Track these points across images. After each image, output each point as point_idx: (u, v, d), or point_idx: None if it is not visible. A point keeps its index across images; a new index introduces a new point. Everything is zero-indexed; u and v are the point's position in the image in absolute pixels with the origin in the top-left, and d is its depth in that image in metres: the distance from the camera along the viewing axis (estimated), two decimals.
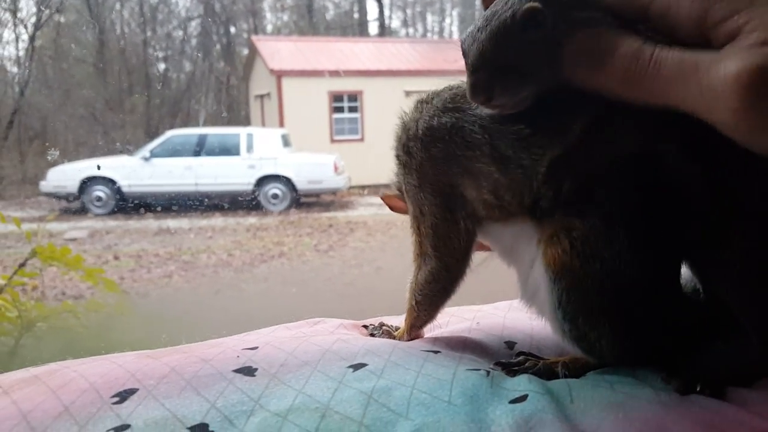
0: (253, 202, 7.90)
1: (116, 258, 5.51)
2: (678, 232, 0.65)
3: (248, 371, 0.63)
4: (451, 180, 0.71)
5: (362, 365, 0.64)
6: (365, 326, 0.87)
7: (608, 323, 0.64)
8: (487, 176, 0.68)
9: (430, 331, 0.84)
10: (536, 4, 0.60)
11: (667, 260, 0.67)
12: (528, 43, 0.61)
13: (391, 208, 0.86)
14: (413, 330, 0.80)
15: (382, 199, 0.87)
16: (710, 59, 0.52)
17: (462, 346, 0.76)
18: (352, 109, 11.32)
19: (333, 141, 11.13)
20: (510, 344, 0.78)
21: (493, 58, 0.61)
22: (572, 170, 0.64)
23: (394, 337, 0.81)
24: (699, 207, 0.64)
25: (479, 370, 0.65)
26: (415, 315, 0.79)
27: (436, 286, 0.77)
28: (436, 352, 0.70)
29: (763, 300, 0.64)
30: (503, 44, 0.61)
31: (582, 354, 0.67)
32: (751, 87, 0.49)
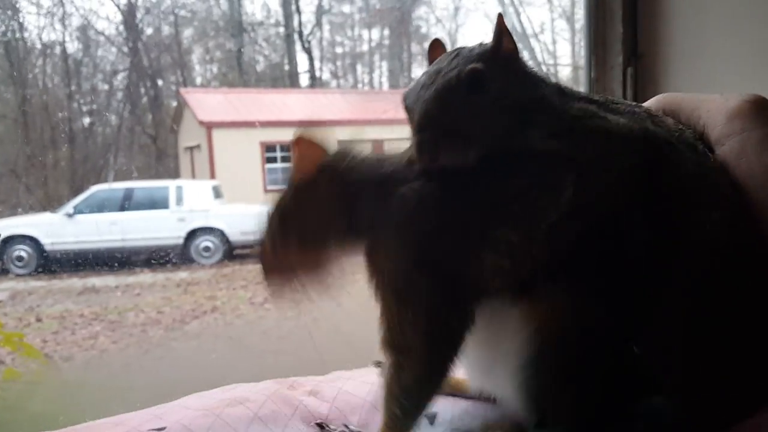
0: (184, 256, 7.72)
1: (39, 320, 5.25)
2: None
3: None
4: (462, 252, 0.62)
5: None
6: (321, 425, 0.76)
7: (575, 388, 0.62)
8: (503, 238, 0.61)
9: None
10: (478, 65, 0.59)
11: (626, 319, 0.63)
12: (472, 105, 0.60)
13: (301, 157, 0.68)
14: None
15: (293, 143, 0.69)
16: None
17: None
18: (285, 159, 11.29)
19: (267, 191, 11.05)
20: None
21: (438, 118, 0.60)
22: (566, 237, 0.59)
23: None
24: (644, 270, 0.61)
25: None
26: (401, 425, 0.64)
27: (431, 387, 0.63)
28: None
29: (689, 361, 0.63)
30: (448, 105, 0.60)
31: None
32: None
